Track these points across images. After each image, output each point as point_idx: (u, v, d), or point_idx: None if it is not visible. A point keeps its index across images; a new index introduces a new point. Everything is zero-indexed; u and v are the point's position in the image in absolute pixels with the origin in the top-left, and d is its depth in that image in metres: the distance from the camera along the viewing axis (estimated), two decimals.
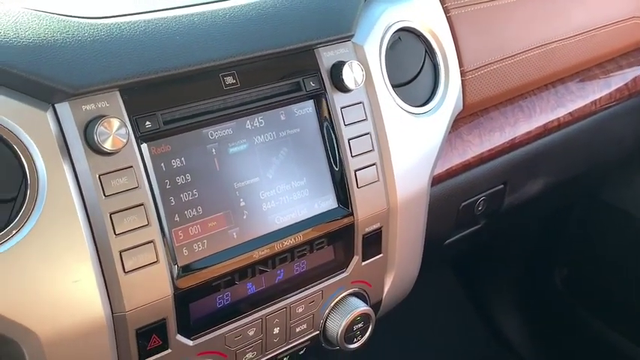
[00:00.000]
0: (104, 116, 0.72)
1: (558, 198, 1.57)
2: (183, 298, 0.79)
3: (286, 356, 0.94)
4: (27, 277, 0.69)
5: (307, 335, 0.95)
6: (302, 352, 0.96)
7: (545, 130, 1.27)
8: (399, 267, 1.03)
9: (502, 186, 1.25)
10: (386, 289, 1.03)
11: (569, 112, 1.31)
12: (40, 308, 0.70)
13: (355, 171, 0.92)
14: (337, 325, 0.95)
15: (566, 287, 1.91)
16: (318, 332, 0.96)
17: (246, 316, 0.86)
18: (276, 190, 0.87)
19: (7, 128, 0.69)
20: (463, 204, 1.19)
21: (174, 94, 0.79)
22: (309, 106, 0.89)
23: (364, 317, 0.96)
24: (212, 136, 0.82)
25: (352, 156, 0.92)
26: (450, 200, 1.16)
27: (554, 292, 1.93)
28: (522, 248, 1.97)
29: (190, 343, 0.81)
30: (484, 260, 1.98)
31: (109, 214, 0.73)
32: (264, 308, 0.88)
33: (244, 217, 0.84)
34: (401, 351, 1.68)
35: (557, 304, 1.94)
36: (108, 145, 0.71)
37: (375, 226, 0.96)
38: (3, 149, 0.69)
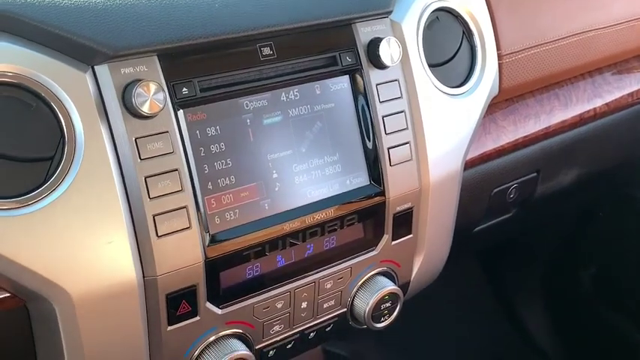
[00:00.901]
0: (142, 80, 0.72)
1: (590, 191, 1.55)
2: (213, 266, 0.79)
3: (313, 332, 0.94)
4: (61, 235, 0.70)
5: (335, 312, 0.94)
6: (329, 328, 0.95)
7: (581, 120, 1.25)
8: (428, 249, 1.02)
9: (535, 174, 1.24)
10: (415, 271, 1.02)
11: (606, 103, 1.29)
12: (74, 267, 0.70)
13: (388, 149, 0.91)
14: (365, 303, 0.94)
15: (594, 286, 1.88)
16: (345, 310, 0.95)
17: (275, 289, 0.86)
18: (309, 164, 0.86)
19: (47, 88, 0.70)
20: (495, 190, 1.18)
21: (212, 62, 0.79)
22: (344, 82, 0.89)
23: (392, 296, 0.96)
24: (247, 106, 0.82)
25: (386, 133, 0.91)
26: (482, 186, 1.15)
27: (581, 291, 1.90)
28: (550, 245, 1.94)
29: (219, 311, 0.82)
30: (511, 255, 1.96)
31: (143, 178, 0.73)
32: (292, 281, 0.88)
33: (276, 189, 0.84)
34: (422, 341, 1.67)
35: (584, 303, 1.91)
36: (145, 109, 0.72)
37: (406, 206, 0.95)
38: (42, 108, 0.70)
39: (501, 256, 1.96)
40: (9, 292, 0.73)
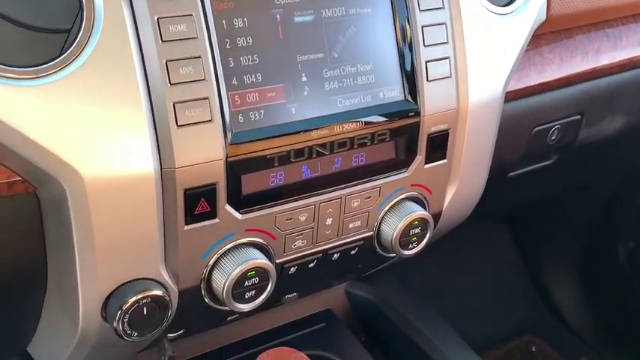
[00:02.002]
0: None
1: (634, 150, 1.47)
2: (234, 167, 0.75)
3: (337, 253, 0.89)
4: (76, 112, 0.66)
5: (361, 234, 0.89)
6: (354, 252, 0.91)
7: (630, 63, 1.18)
8: (462, 179, 0.96)
9: (579, 117, 1.17)
10: (447, 201, 0.97)
11: None
12: (87, 148, 0.67)
13: (426, 62, 0.86)
14: (392, 228, 0.89)
15: (630, 262, 1.80)
16: (372, 233, 0.91)
17: (299, 200, 0.82)
18: (341, 71, 0.81)
19: None
20: (536, 129, 1.12)
21: None
22: None
23: (422, 222, 0.90)
24: (278, 0, 0.77)
25: (425, 45, 0.85)
26: (523, 122, 1.09)
27: (616, 266, 1.83)
28: (586, 216, 1.86)
29: (239, 216, 0.77)
30: (544, 223, 1.89)
31: (164, 61, 0.69)
32: (318, 194, 0.83)
33: (305, 93, 0.79)
34: (448, 296, 1.62)
35: (618, 278, 1.83)
36: None
37: (441, 127, 0.89)
38: None
39: (535, 222, 1.90)
40: (19, 176, 0.69)
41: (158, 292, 0.74)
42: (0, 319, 0.82)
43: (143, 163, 0.69)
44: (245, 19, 0.75)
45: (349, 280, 1.19)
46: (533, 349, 1.83)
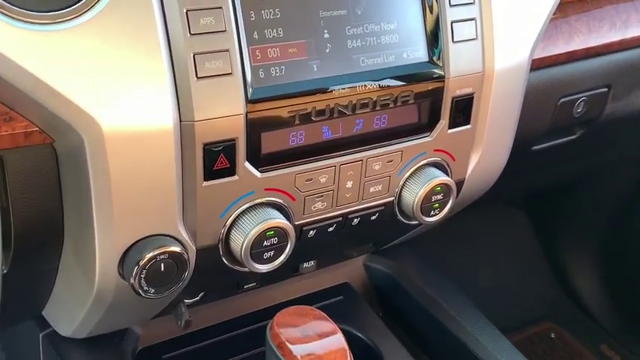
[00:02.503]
0: None
1: None
2: (254, 123, 0.73)
3: (358, 218, 0.87)
4: (94, 59, 0.65)
5: (381, 199, 0.88)
6: (374, 217, 0.89)
7: None
8: (486, 146, 0.94)
9: (605, 89, 1.14)
10: (470, 169, 0.94)
11: None
12: (105, 97, 0.65)
13: (452, 22, 0.84)
14: (414, 194, 0.88)
15: None
16: (392, 199, 0.89)
17: (319, 160, 0.80)
18: (364, 29, 0.79)
19: None
20: (562, 100, 1.09)
21: None
22: None
23: (444, 188, 0.88)
24: None
25: (450, 5, 0.83)
26: (549, 92, 1.06)
27: (638, 253, 1.79)
28: (608, 201, 1.83)
29: (258, 174, 0.76)
30: (563, 208, 1.86)
31: (185, 10, 0.67)
32: (338, 156, 0.81)
33: (327, 50, 0.77)
34: (468, 275, 1.59)
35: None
36: None
37: (466, 91, 0.87)
38: None
39: (553, 210, 1.87)
40: (37, 127, 0.68)
41: (176, 249, 0.73)
42: (16, 281, 0.81)
43: (162, 114, 0.68)
44: None
45: (368, 253, 1.17)
46: (553, 335, 1.80)
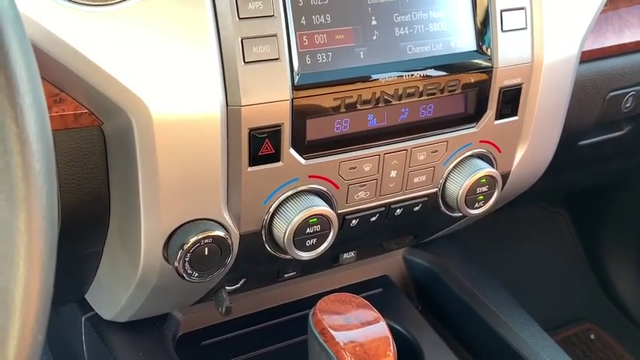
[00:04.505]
0: None
1: None
2: (300, 110, 0.73)
3: (401, 208, 0.86)
4: (144, 41, 0.65)
5: (425, 189, 0.87)
6: (417, 208, 0.88)
7: None
8: (533, 138, 0.92)
9: None
10: (516, 161, 0.93)
11: None
12: (155, 80, 0.66)
13: (502, 11, 0.82)
14: (459, 185, 0.86)
15: None
16: (436, 190, 0.88)
17: (364, 149, 0.79)
18: (412, 16, 0.78)
19: None
20: (611, 94, 1.06)
21: None
22: None
23: (490, 180, 0.87)
24: None
25: None
26: (598, 85, 1.04)
27: None
28: None
29: (303, 161, 0.76)
30: (604, 207, 1.82)
31: None
32: (383, 144, 0.80)
33: (374, 37, 0.76)
34: (509, 273, 1.57)
35: None
36: None
37: (514, 81, 0.85)
38: None
39: (594, 210, 1.83)
40: (86, 108, 0.69)
41: (220, 233, 0.73)
42: (61, 264, 0.82)
43: (210, 99, 0.68)
44: None
45: (407, 247, 1.16)
46: (592, 336, 1.77)
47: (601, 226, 1.85)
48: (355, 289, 1.12)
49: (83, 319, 0.99)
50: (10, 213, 0.37)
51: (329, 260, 0.99)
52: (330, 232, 0.78)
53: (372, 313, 0.75)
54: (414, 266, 1.19)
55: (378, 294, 1.13)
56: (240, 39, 0.68)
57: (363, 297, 1.11)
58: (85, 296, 0.96)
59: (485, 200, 0.88)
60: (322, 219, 0.77)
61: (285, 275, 0.98)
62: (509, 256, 1.74)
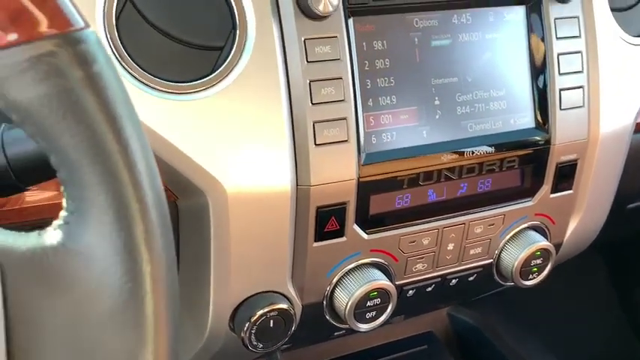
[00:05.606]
0: None
1: None
2: (365, 187, 0.75)
3: (456, 279, 0.88)
4: (225, 127, 0.68)
5: (481, 261, 0.88)
6: (472, 278, 0.89)
7: None
8: (586, 210, 0.93)
9: None
10: (569, 232, 0.94)
11: None
12: (231, 162, 0.68)
13: (560, 90, 0.84)
14: (514, 258, 0.88)
15: None
16: (491, 261, 0.89)
17: (424, 223, 0.81)
18: (473, 95, 0.81)
19: None
20: None
21: None
22: (519, 12, 0.82)
23: (544, 253, 0.88)
24: (417, 24, 0.77)
25: (559, 73, 0.84)
26: None
27: None
28: None
29: (365, 236, 0.78)
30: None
31: (308, 81, 0.70)
32: (442, 219, 0.82)
33: (437, 116, 0.79)
34: (554, 327, 1.57)
35: None
36: (320, 7, 0.68)
37: (571, 157, 0.87)
38: None
39: (632, 259, 1.82)
40: (163, 184, 0.72)
41: (284, 306, 0.75)
42: None
43: (281, 179, 0.71)
44: (384, 42, 0.75)
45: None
46: None
47: (634, 265, 1.83)
48: (400, 345, 1.14)
49: None
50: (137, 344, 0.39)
51: None
52: (389, 304, 0.80)
53: None
54: (458, 323, 1.20)
55: (423, 351, 1.14)
56: (312, 123, 0.71)
57: (408, 353, 1.13)
58: None
59: (539, 272, 0.90)
60: (382, 292, 0.79)
61: (336, 334, 0.99)
62: (547, 304, 1.73)
